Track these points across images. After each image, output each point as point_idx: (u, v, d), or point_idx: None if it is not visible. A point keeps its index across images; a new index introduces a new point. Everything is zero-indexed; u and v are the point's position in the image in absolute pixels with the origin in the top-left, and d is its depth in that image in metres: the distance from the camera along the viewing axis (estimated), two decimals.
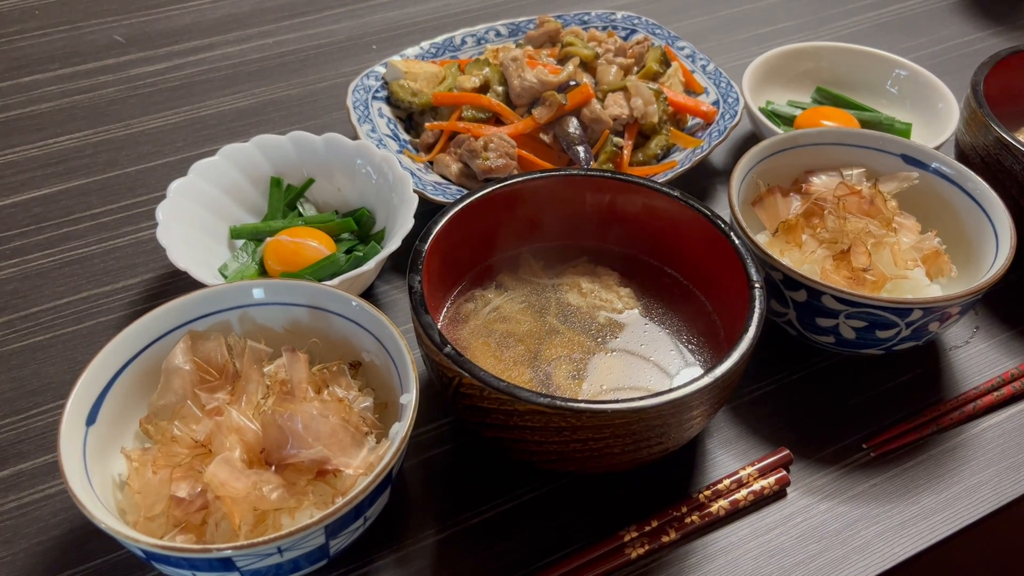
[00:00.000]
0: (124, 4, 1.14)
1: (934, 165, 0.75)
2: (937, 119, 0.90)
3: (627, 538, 0.59)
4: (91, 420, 0.54)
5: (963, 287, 0.66)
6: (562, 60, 0.93)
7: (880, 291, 0.67)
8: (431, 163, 0.85)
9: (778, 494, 0.63)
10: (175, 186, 0.73)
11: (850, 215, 0.70)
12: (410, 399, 0.54)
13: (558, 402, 0.52)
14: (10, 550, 0.58)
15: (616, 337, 0.67)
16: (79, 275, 0.77)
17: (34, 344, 0.71)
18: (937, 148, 0.79)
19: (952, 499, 0.63)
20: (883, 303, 0.63)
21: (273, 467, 0.54)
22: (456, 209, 0.65)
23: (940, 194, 0.75)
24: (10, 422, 0.66)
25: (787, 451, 0.65)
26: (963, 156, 0.83)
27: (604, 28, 1.01)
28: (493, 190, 0.67)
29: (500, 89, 0.88)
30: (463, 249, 0.68)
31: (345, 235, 0.77)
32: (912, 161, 0.76)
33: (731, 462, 0.65)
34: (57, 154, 0.91)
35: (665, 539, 0.59)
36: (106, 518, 0.48)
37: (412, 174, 0.79)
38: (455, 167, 0.83)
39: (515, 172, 0.81)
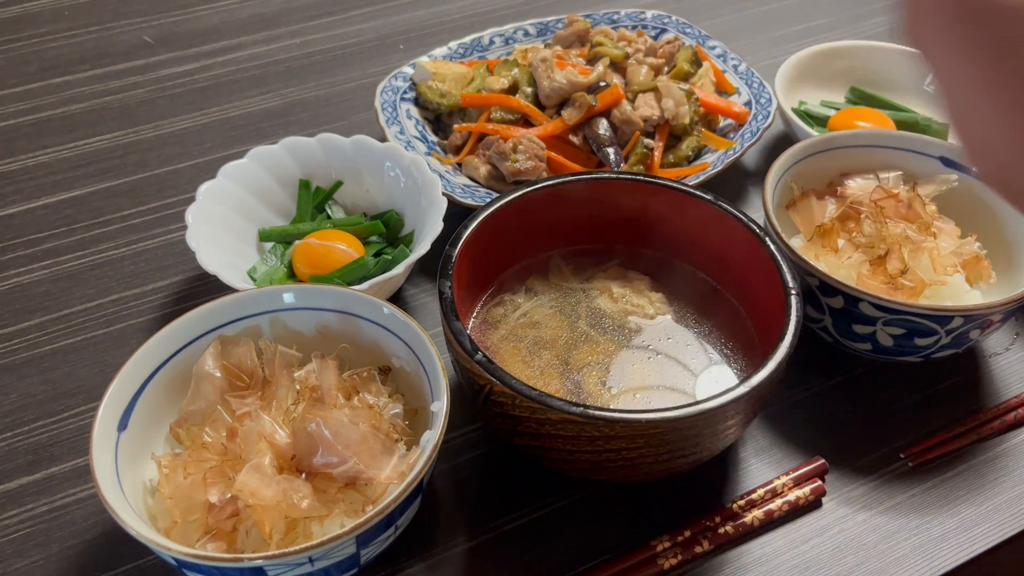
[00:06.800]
0: (153, 4, 1.15)
1: (973, 168, 0.73)
2: None
3: (659, 548, 0.58)
4: (123, 426, 0.54)
5: (1003, 293, 0.65)
6: (591, 60, 0.92)
7: (918, 297, 0.65)
8: (459, 165, 0.85)
9: (813, 504, 0.62)
10: (204, 189, 0.73)
11: (888, 219, 0.69)
12: (441, 407, 0.54)
13: (591, 411, 0.51)
14: (43, 553, 0.58)
15: (648, 343, 0.66)
16: (109, 277, 0.78)
17: (65, 347, 0.71)
18: None
19: (993, 511, 0.61)
20: (923, 310, 0.61)
21: (304, 474, 0.53)
22: (486, 213, 0.65)
23: (979, 197, 0.73)
24: (42, 424, 0.66)
25: (822, 460, 0.63)
26: None
27: (634, 27, 1.00)
28: (523, 193, 0.67)
29: (529, 90, 0.87)
30: (492, 253, 0.68)
31: (373, 238, 0.76)
32: (951, 163, 0.74)
33: (765, 471, 0.64)
34: (88, 155, 0.91)
35: (698, 549, 0.58)
36: (139, 526, 0.48)
37: (441, 176, 0.78)
38: (484, 169, 0.82)
39: (544, 174, 0.80)
